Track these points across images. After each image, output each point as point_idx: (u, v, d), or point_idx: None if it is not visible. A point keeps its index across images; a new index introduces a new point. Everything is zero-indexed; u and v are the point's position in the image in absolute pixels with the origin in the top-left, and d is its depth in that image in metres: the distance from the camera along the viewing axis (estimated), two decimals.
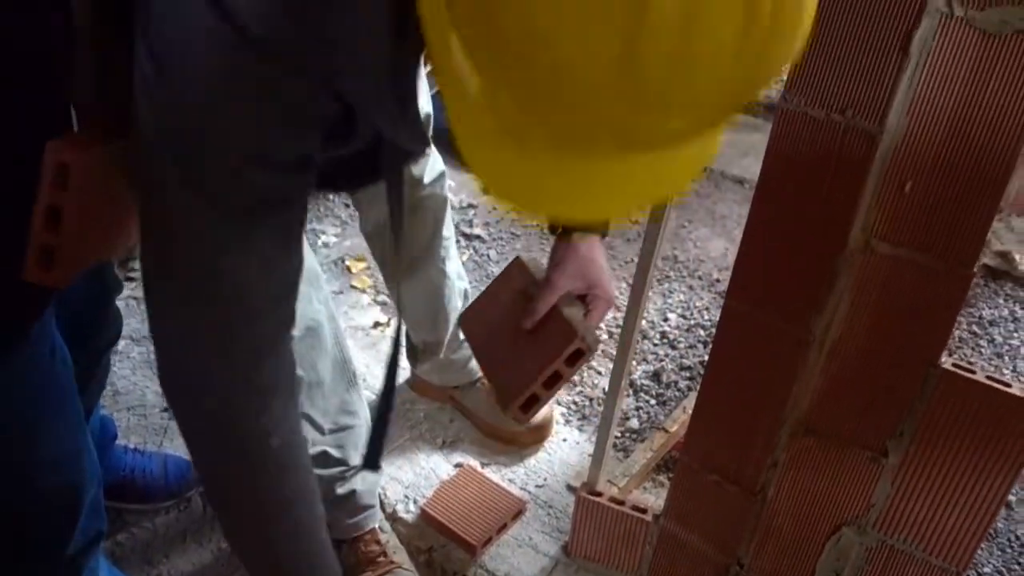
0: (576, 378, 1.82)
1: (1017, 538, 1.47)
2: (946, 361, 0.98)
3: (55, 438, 0.93)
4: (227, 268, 0.75)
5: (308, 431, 1.28)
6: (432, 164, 1.43)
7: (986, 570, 1.41)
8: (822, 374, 1.05)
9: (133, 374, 1.81)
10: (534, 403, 1.05)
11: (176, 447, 1.64)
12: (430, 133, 1.42)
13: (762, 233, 1.04)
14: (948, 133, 0.90)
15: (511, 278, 1.15)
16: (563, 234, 1.08)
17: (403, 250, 1.02)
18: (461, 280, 1.60)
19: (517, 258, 1.17)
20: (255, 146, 0.70)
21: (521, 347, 1.07)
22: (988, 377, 0.97)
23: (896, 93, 0.91)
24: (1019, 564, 1.43)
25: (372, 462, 1.05)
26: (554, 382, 1.04)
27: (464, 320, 1.19)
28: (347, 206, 2.42)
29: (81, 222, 0.78)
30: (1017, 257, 2.12)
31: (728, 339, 1.12)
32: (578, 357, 1.03)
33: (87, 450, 0.98)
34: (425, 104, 1.37)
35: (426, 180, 1.42)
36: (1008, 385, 0.96)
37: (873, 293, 0.99)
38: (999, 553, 1.45)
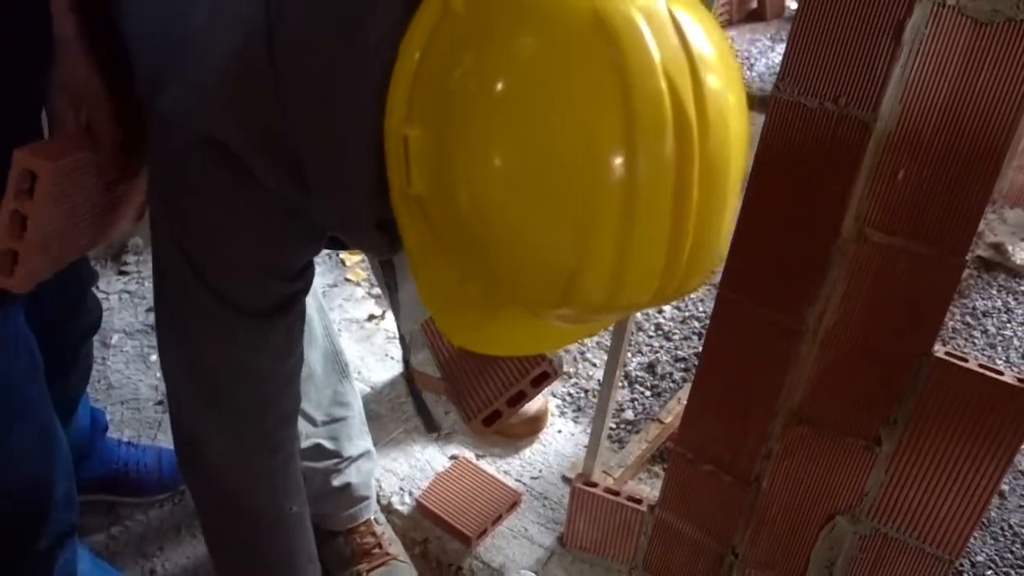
0: (571, 370, 1.82)
1: (1010, 527, 1.48)
2: (939, 350, 0.99)
3: (23, 432, 0.92)
4: (247, 356, 0.83)
5: (301, 424, 1.27)
6: None
7: (979, 559, 1.42)
8: (815, 363, 1.06)
9: (127, 368, 1.81)
10: (496, 418, 1.10)
11: (170, 440, 1.63)
12: None
13: (755, 223, 1.04)
14: (941, 121, 0.90)
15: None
16: None
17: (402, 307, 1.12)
18: None
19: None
20: (269, 260, 0.79)
21: (487, 366, 1.11)
22: (981, 365, 0.97)
23: (889, 81, 0.91)
24: (1012, 552, 1.43)
25: (430, 426, 1.22)
26: (517, 400, 1.08)
27: (427, 326, 1.20)
28: None
29: (46, 230, 0.78)
30: (1010, 248, 2.12)
31: (721, 329, 1.12)
32: (543, 379, 1.08)
33: (58, 444, 0.98)
34: None
35: None
36: (1000, 373, 0.96)
37: (866, 282, 0.99)
38: (992, 542, 1.45)
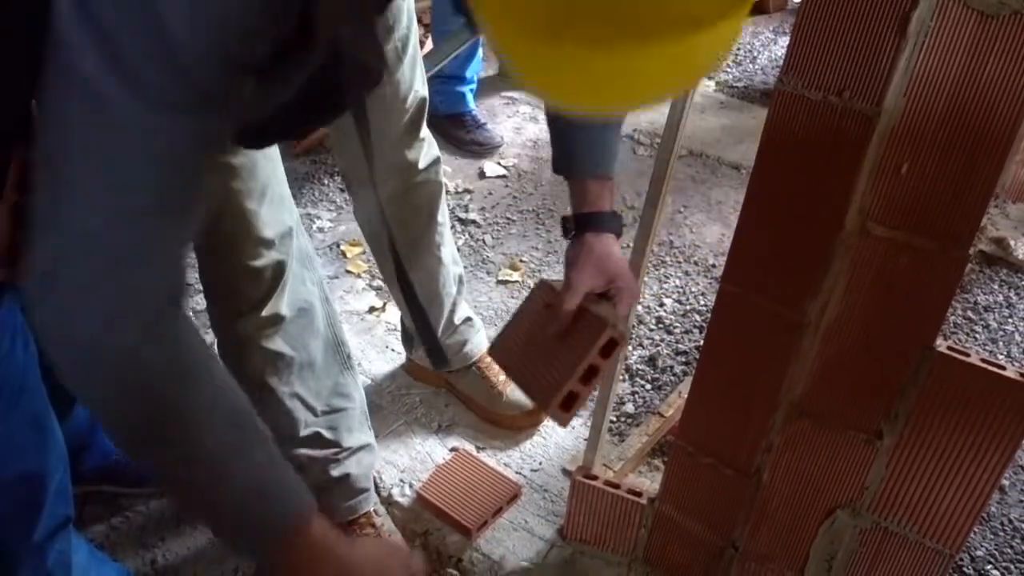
0: None
1: (1010, 522, 1.48)
2: (941, 344, 0.98)
3: (17, 423, 0.92)
4: (133, 159, 0.66)
5: (300, 411, 1.28)
6: (427, 150, 1.43)
7: (979, 553, 1.42)
8: (817, 357, 1.05)
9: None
10: (574, 401, 1.01)
11: None
12: (425, 119, 1.41)
13: (758, 216, 1.04)
14: (945, 114, 0.90)
15: (535, 298, 1.12)
16: (576, 235, 1.07)
17: (378, 177, 0.95)
18: (456, 265, 1.59)
19: (540, 280, 1.14)
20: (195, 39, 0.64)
21: (554, 353, 1.04)
22: (983, 360, 0.97)
23: (893, 75, 0.90)
24: (1011, 547, 1.43)
25: (439, 359, 1.09)
26: (591, 376, 1.00)
27: (493, 350, 1.14)
28: (341, 190, 2.41)
29: None
30: (1012, 243, 2.12)
31: (723, 322, 1.12)
32: (612, 347, 1.00)
33: (52, 435, 0.97)
34: (421, 88, 1.36)
35: (421, 166, 1.42)
36: (1002, 368, 0.96)
37: (868, 276, 0.99)
38: (992, 536, 1.46)
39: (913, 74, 0.90)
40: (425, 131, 1.40)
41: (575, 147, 1.08)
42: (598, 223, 1.07)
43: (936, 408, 1.00)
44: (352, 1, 0.71)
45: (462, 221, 2.28)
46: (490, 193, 2.42)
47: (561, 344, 1.04)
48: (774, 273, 1.05)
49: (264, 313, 1.17)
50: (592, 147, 1.07)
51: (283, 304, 1.19)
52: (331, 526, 0.81)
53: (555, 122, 1.09)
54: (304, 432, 1.29)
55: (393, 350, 1.83)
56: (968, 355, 0.98)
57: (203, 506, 0.79)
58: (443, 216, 1.51)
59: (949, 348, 0.98)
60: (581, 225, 1.07)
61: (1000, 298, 1.98)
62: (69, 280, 0.69)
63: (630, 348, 1.85)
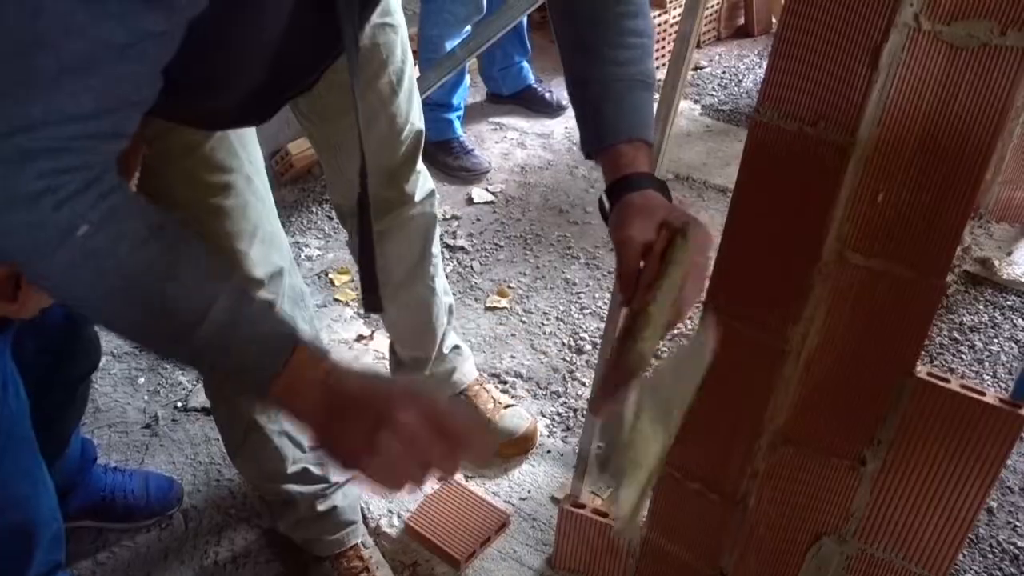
0: (559, 388, 1.82)
1: (999, 543, 1.48)
2: (921, 370, 0.99)
3: (6, 478, 0.91)
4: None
5: (288, 448, 1.27)
6: (423, 183, 1.43)
7: None
8: (800, 384, 1.06)
9: (114, 391, 1.80)
10: None
11: (157, 464, 1.63)
12: (421, 150, 1.41)
13: (738, 245, 1.05)
14: (919, 144, 0.91)
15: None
16: (614, 198, 0.89)
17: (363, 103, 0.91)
18: (447, 296, 1.60)
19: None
20: None
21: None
22: (962, 386, 0.98)
23: (867, 106, 0.92)
24: (1000, 570, 1.43)
25: (372, 304, 0.97)
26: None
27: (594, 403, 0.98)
28: (330, 218, 2.41)
29: None
30: (997, 263, 2.14)
31: None
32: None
33: (43, 488, 0.97)
34: (418, 121, 1.37)
35: (417, 198, 1.42)
36: (982, 393, 0.97)
37: (848, 304, 0.99)
38: (981, 559, 1.46)
39: (886, 105, 0.91)
40: (420, 164, 1.41)
41: (603, 112, 0.92)
42: (634, 183, 0.88)
43: (918, 434, 1.01)
44: None
45: (450, 248, 2.29)
46: (478, 219, 2.43)
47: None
48: (756, 301, 1.06)
49: None
50: (621, 109, 0.92)
51: None
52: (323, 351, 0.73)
53: (582, 90, 0.95)
54: (292, 469, 1.29)
55: None
56: (948, 380, 0.98)
57: (188, 356, 0.72)
58: (436, 248, 1.52)
59: (929, 374, 0.99)
60: (616, 192, 0.89)
61: (985, 318, 1.99)
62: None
63: None
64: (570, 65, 0.96)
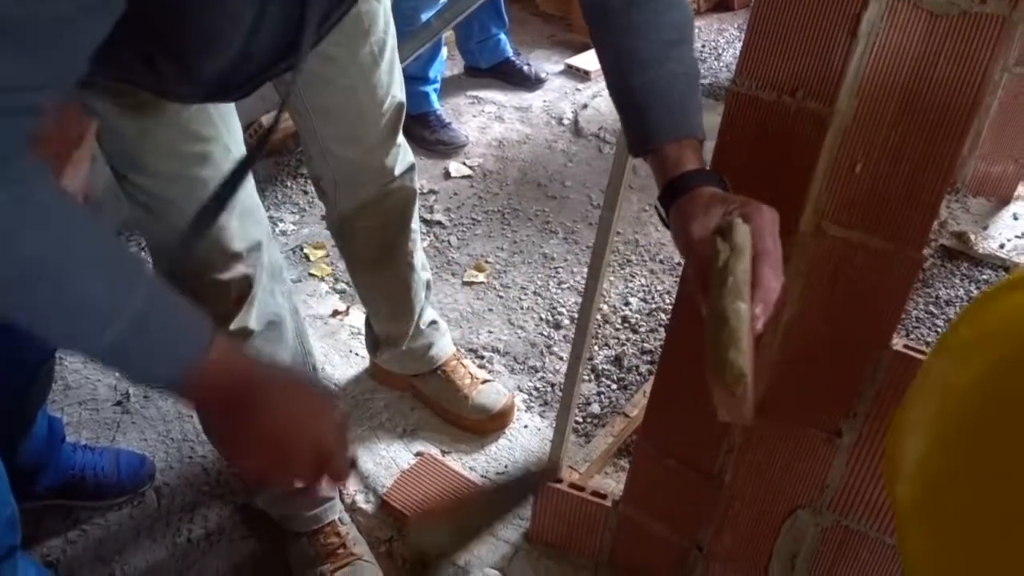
0: (537, 363, 1.81)
1: None
2: (897, 343, 0.99)
3: None
4: None
5: None
6: (403, 156, 1.41)
7: None
8: (776, 356, 1.05)
9: (84, 367, 1.77)
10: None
11: (129, 441, 1.61)
12: (402, 123, 1.38)
13: None
14: (898, 113, 0.90)
15: None
16: (667, 205, 0.85)
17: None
18: (425, 271, 1.58)
19: None
20: None
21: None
22: None
23: (846, 75, 0.90)
24: None
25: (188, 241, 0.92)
26: None
27: None
28: (305, 193, 2.38)
29: None
30: (973, 237, 2.14)
31: (684, 322, 1.11)
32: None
33: None
34: (399, 93, 1.33)
35: (396, 172, 1.39)
36: None
37: (825, 276, 0.99)
38: None
39: (865, 74, 0.90)
40: (401, 137, 1.38)
41: (644, 115, 0.88)
42: (685, 183, 0.83)
43: (894, 406, 1.00)
44: None
45: (427, 222, 2.27)
46: (455, 193, 2.41)
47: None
48: None
49: (232, 327, 1.14)
50: (662, 109, 0.88)
51: (252, 318, 1.16)
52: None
53: (623, 98, 0.91)
54: None
55: (357, 354, 1.81)
56: (924, 353, 0.98)
57: (101, 353, 0.70)
58: (415, 223, 1.49)
59: (905, 346, 0.99)
60: (668, 198, 0.84)
61: (961, 292, 2.00)
62: None
63: (595, 348, 1.84)
64: (608, 71, 0.91)
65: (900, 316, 0.98)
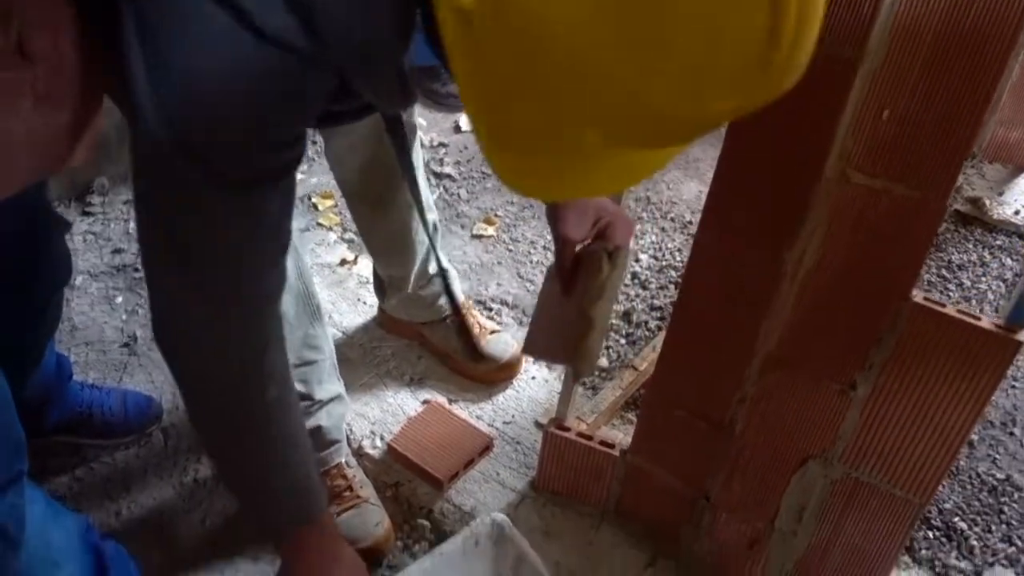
0: None
1: (978, 475, 1.49)
2: (917, 295, 0.98)
3: None
4: (229, 232, 0.77)
5: None
6: None
7: (947, 506, 1.44)
8: (794, 307, 1.04)
9: (91, 310, 1.76)
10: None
11: (136, 383, 1.61)
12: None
13: (737, 164, 1.02)
14: (929, 59, 0.87)
15: (546, 284, 1.13)
16: None
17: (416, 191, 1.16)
18: (431, 212, 1.56)
19: (548, 267, 1.13)
20: (263, 132, 0.72)
21: (569, 309, 1.06)
22: (959, 311, 0.97)
23: (876, 19, 0.88)
24: (979, 500, 1.45)
25: None
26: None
27: (526, 348, 1.17)
28: (313, 143, 2.35)
29: None
30: (987, 203, 2.12)
31: (699, 272, 1.10)
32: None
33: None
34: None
35: None
36: (977, 318, 0.96)
37: (847, 224, 0.97)
38: (960, 489, 1.47)
39: (896, 17, 0.87)
40: None
41: None
42: None
43: (911, 359, 1.00)
44: (392, 86, 0.77)
45: (437, 175, 2.25)
46: (465, 147, 2.38)
47: (571, 298, 1.06)
48: (752, 222, 1.03)
49: None
50: None
51: None
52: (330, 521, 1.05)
53: None
54: None
55: (365, 303, 1.80)
56: (944, 306, 0.97)
57: (250, 493, 0.99)
58: (417, 159, 1.47)
59: (925, 299, 0.97)
60: None
61: (974, 257, 1.98)
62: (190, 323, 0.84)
63: None
64: None
65: (921, 267, 0.97)
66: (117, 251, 1.92)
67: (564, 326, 1.06)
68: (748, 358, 1.10)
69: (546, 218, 1.07)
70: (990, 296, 1.87)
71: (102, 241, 1.95)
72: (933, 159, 0.90)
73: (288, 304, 1.24)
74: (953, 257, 1.98)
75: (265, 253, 0.82)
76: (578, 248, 1.05)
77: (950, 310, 0.96)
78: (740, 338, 1.09)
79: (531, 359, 1.64)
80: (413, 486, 1.42)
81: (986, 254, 2.00)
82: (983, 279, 1.92)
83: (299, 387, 1.29)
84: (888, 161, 0.93)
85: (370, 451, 1.48)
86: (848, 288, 1.00)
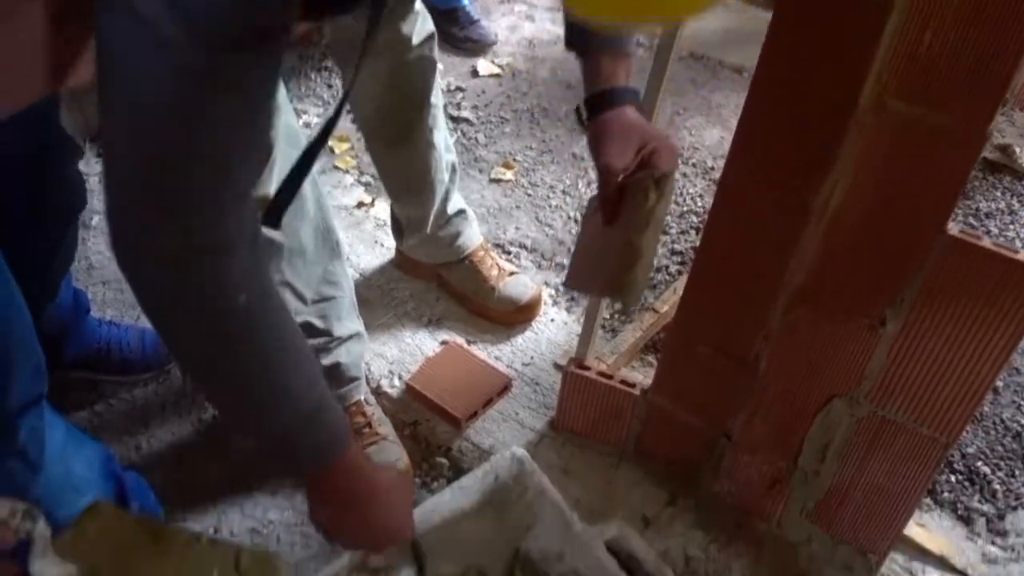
0: (564, 261, 1.78)
1: (1002, 421, 1.48)
2: (952, 228, 0.95)
3: None
4: (201, 106, 0.68)
5: (290, 300, 1.24)
6: (421, 25, 1.35)
7: (970, 450, 1.42)
8: (824, 240, 1.02)
9: (108, 249, 1.75)
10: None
11: None
12: None
13: (769, 94, 0.99)
14: None
15: (587, 216, 1.08)
16: (591, 118, 0.99)
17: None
18: (449, 153, 1.53)
19: (590, 199, 1.08)
20: None
21: (612, 240, 1.00)
22: (995, 244, 0.94)
23: None
24: (1002, 445, 1.44)
25: (273, 214, 0.90)
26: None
27: (569, 280, 1.13)
28: (329, 86, 2.32)
29: None
30: (1017, 151, 2.07)
31: (727, 206, 1.08)
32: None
33: (17, 316, 0.89)
34: None
35: (415, 41, 1.34)
36: (1015, 252, 0.93)
37: (883, 155, 0.94)
38: (983, 435, 1.45)
39: None
40: (419, 3, 1.32)
41: None
42: (613, 99, 0.98)
43: (944, 294, 0.97)
44: None
45: (454, 119, 2.21)
46: (483, 92, 2.34)
47: (615, 229, 1.00)
48: (783, 153, 1.00)
49: (255, 194, 1.11)
50: None
51: (271, 186, 1.13)
52: (360, 449, 0.94)
53: None
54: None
55: (382, 245, 1.79)
56: (980, 239, 0.95)
57: (256, 428, 0.86)
58: (436, 98, 1.45)
59: (961, 232, 0.95)
60: (595, 107, 0.99)
61: (1002, 205, 1.94)
62: (146, 199, 0.71)
63: None
64: None
65: (958, 199, 0.94)
66: None
67: (608, 258, 1.01)
68: (774, 295, 1.08)
69: (588, 147, 1.01)
70: (1018, 244, 1.83)
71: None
72: (975, 84, 0.87)
73: (308, 238, 1.23)
74: (981, 205, 1.94)
75: (238, 143, 0.72)
76: (621, 178, 0.99)
77: (987, 243, 0.94)
78: (766, 276, 1.07)
79: (569, 293, 1.62)
80: (431, 425, 1.42)
81: (1015, 202, 1.95)
82: (1011, 227, 1.88)
83: (318, 323, 1.28)
84: (928, 87, 0.89)
85: (388, 390, 1.47)
86: (880, 223, 0.98)
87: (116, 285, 1.68)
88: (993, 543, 1.30)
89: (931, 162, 0.92)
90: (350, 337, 1.34)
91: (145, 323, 1.58)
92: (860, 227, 0.99)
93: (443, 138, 1.50)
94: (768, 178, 1.02)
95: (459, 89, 2.34)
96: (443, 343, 1.55)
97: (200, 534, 0.80)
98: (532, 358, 1.54)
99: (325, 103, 2.27)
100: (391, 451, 1.33)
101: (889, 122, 0.93)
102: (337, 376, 1.33)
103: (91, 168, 1.95)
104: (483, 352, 1.54)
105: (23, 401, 0.87)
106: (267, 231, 1.14)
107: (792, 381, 1.12)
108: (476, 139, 2.16)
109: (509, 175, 2.04)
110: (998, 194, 1.98)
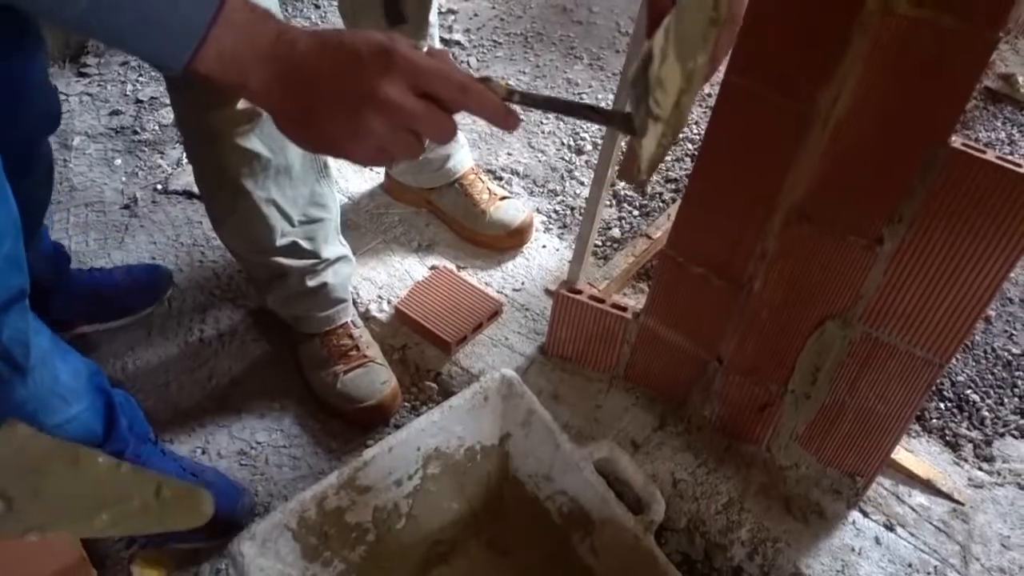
0: (557, 187, 1.75)
1: (993, 350, 1.47)
2: (955, 140, 0.92)
3: None
4: None
5: (277, 219, 1.21)
6: None
7: (960, 378, 1.42)
8: (824, 155, 0.99)
9: (90, 171, 1.71)
10: None
11: (138, 244, 1.57)
12: None
13: None
14: None
15: (636, 49, 1.00)
16: None
17: None
18: None
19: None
20: None
21: None
22: (999, 157, 0.91)
23: None
24: (992, 374, 1.43)
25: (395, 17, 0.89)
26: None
27: None
28: (317, 7, 2.25)
29: None
30: (1020, 80, 2.03)
31: (725, 118, 1.04)
32: None
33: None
34: None
35: None
36: (1019, 165, 0.91)
37: (887, 62, 0.91)
38: (974, 363, 1.45)
39: None
40: None
41: None
42: None
43: (944, 209, 0.95)
44: None
45: (446, 41, 2.15)
46: (476, 15, 2.28)
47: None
48: (785, 61, 0.97)
49: (239, 106, 1.08)
50: None
51: None
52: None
53: None
54: (281, 241, 1.23)
55: (371, 169, 1.75)
56: (984, 151, 0.92)
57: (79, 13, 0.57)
58: (434, 16, 1.39)
59: (964, 144, 0.92)
60: None
61: (1003, 135, 1.91)
62: None
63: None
64: None
65: (964, 108, 0.91)
66: (115, 113, 1.85)
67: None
68: (771, 211, 1.05)
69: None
70: None
71: (99, 102, 1.88)
72: None
73: (294, 156, 1.19)
74: (981, 135, 1.91)
75: None
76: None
77: (990, 156, 0.91)
78: (763, 189, 1.04)
79: (560, 220, 1.57)
80: (420, 349, 1.40)
81: (1015, 132, 1.92)
82: (1011, 157, 1.85)
83: (305, 244, 1.26)
84: None
85: (377, 315, 1.45)
86: (883, 134, 0.94)
87: (99, 208, 1.64)
88: (980, 468, 1.30)
89: (937, 69, 0.89)
90: (337, 259, 1.31)
91: (128, 247, 1.56)
92: (862, 139, 0.96)
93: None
94: (772, 81, 0.98)
95: (450, 11, 2.28)
96: (432, 268, 1.53)
97: (120, 462, 0.76)
98: (523, 284, 1.52)
99: (314, 24, 2.21)
100: (379, 373, 1.32)
101: (895, 25, 0.89)
102: (324, 297, 1.31)
103: (71, 89, 1.90)
104: (473, 278, 1.52)
105: (6, 296, 0.83)
106: (251, 144, 1.12)
107: (786, 302, 1.11)
108: (468, 63, 2.10)
109: None
110: (999, 124, 1.95)
